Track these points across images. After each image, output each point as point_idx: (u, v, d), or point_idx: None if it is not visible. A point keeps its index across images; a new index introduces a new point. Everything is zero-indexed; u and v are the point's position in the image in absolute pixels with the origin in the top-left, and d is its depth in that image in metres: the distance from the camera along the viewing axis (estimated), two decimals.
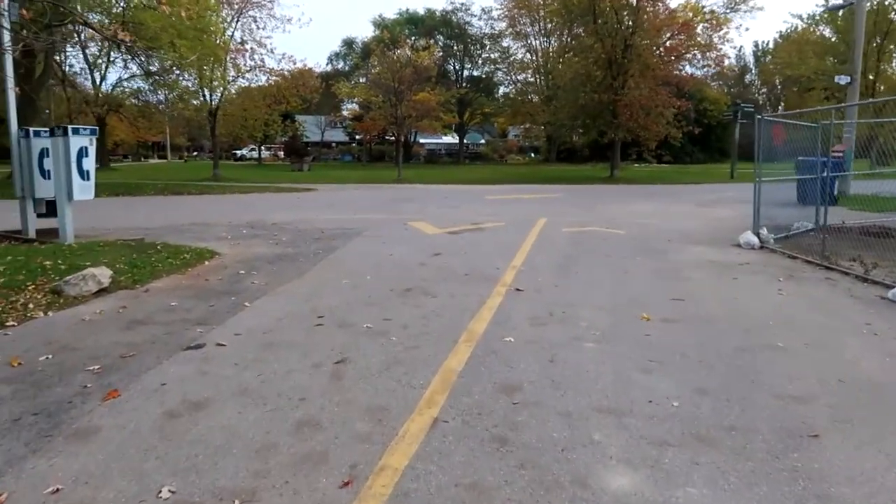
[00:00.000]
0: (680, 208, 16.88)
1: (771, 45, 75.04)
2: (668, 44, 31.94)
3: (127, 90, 41.68)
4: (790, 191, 22.90)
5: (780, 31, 75.98)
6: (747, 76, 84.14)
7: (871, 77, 42.80)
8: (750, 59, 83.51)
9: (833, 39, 54.71)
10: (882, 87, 43.35)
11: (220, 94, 30.88)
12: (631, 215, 14.76)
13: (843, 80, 19.49)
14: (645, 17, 30.04)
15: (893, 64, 45.88)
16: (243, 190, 23.40)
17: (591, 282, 7.14)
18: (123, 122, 47.15)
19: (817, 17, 61.07)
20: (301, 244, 10.00)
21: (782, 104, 77.82)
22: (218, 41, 28.37)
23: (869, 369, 4.28)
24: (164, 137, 71.75)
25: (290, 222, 13.01)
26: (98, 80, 42.65)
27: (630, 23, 29.75)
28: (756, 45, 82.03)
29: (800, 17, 64.29)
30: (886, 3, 39.16)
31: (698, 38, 33.06)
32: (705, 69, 34.81)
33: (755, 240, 9.92)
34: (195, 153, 78.96)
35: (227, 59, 29.49)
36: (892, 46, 43.41)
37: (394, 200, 19.02)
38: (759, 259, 8.85)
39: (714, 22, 34.52)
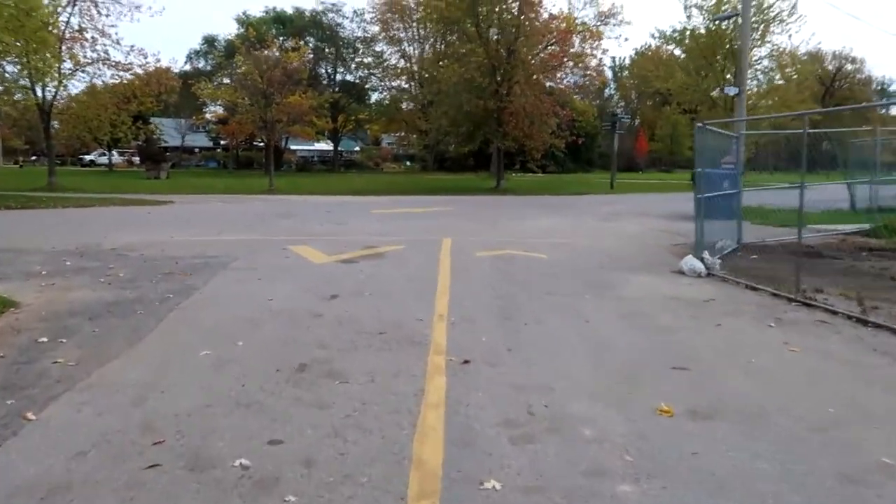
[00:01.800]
0: (583, 223, 15.72)
1: (627, 62, 78.95)
2: (548, 51, 31.42)
3: None
4: (680, 203, 22.61)
5: (636, 49, 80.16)
6: (605, 90, 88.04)
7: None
8: (608, 73, 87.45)
9: (682, 58, 58.09)
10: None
11: (54, 90, 26.38)
12: (539, 233, 13.30)
13: (731, 90, 19.40)
14: (527, 23, 29.25)
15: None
16: (82, 203, 19.61)
17: (553, 340, 5.33)
18: None
19: (668, 36, 65.04)
20: (144, 283, 7.44)
21: (637, 117, 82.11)
22: (50, 28, 24.12)
23: None
24: None
25: (134, 247, 10.25)
26: None
27: (513, 28, 28.82)
28: (613, 61, 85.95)
29: (661, 34, 67.88)
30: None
31: (573, 50, 32.86)
32: (585, 78, 34.76)
33: (700, 266, 8.62)
34: (34, 158, 69.87)
35: (63, 48, 25.18)
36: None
37: (268, 216, 16.41)
38: (720, 292, 7.48)
39: (588, 34, 34.67)
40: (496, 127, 28.96)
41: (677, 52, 62.48)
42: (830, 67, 66.69)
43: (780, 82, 50.49)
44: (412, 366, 4.53)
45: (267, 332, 5.40)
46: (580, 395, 4.04)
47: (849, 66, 69.75)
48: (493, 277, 8.09)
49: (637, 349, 5.10)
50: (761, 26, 44.52)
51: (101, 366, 4.49)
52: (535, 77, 30.19)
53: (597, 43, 35.28)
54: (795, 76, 50.76)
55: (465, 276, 8.06)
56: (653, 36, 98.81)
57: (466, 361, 4.65)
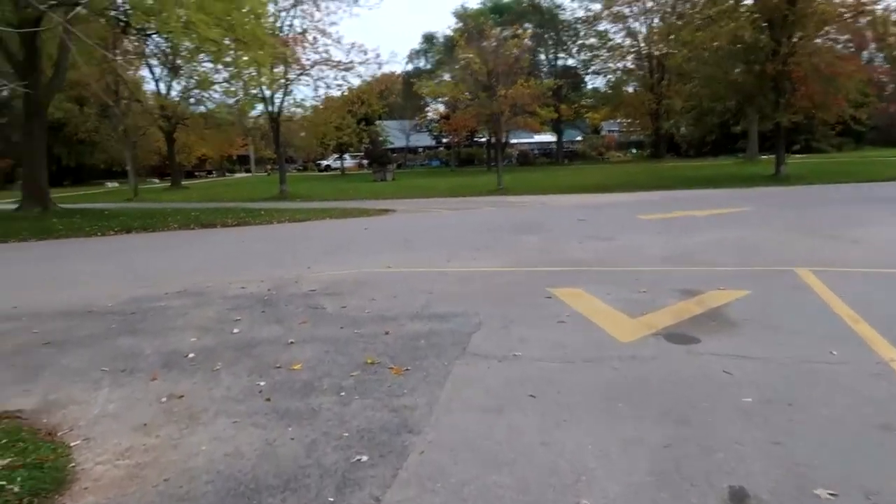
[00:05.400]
0: None
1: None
2: None
3: (192, 100, 37.77)
4: None
5: None
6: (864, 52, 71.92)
7: None
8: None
9: None
10: None
11: (282, 96, 25.87)
12: None
13: None
14: None
15: None
16: (298, 216, 17.74)
17: None
18: (191, 136, 43.47)
19: None
20: (327, 396, 4.03)
21: None
22: (282, 35, 23.42)
23: None
24: (249, 150, 68.98)
25: (338, 288, 7.19)
26: (165, 91, 38.97)
27: None
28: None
29: None
30: None
31: None
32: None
33: None
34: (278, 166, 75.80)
35: (289, 52, 24.40)
36: None
37: (505, 229, 12.83)
38: None
39: None
40: (775, 98, 22.59)
41: None
42: None
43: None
44: None
45: None
46: None
47: None
48: None
49: None
50: None
51: None
52: (826, 29, 23.15)
53: None
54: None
55: None
56: None
57: None
